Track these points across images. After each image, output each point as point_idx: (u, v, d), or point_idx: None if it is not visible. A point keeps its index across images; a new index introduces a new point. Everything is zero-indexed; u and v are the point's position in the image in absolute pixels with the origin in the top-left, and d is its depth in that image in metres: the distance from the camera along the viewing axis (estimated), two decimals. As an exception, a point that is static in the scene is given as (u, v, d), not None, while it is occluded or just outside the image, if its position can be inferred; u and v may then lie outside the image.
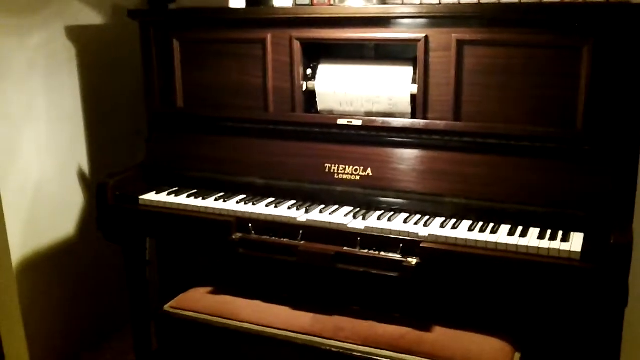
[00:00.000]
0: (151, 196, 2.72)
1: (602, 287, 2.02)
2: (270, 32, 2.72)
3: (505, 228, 2.27)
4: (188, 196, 2.70)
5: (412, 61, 2.56)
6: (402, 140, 2.52)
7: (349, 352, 2.30)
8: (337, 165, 2.56)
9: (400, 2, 2.80)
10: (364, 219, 2.40)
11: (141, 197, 2.71)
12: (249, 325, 2.44)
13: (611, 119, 2.30)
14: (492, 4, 2.67)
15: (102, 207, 2.74)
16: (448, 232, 2.26)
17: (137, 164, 2.96)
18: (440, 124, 2.48)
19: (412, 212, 2.45)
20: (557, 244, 2.11)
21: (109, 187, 2.72)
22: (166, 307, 2.61)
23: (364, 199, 2.53)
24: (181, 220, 2.62)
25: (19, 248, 2.95)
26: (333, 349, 2.32)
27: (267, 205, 2.57)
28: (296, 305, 2.50)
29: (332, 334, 2.35)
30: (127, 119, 3.43)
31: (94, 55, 3.25)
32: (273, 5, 2.91)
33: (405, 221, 2.36)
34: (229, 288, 2.66)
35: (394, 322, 2.37)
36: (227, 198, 2.65)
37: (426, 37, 2.48)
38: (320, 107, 2.74)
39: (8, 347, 3.03)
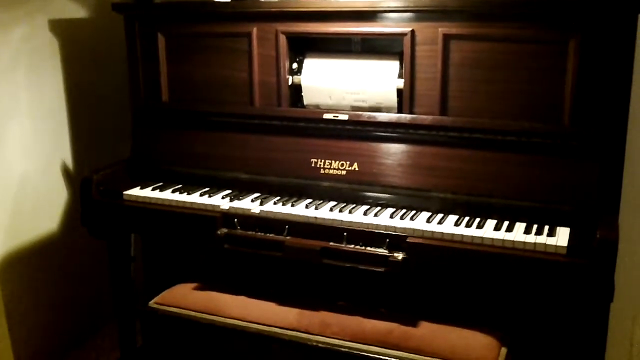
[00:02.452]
0: (136, 191, 2.70)
1: (588, 282, 2.02)
2: (256, 26, 2.70)
3: (491, 223, 2.27)
4: (173, 191, 2.68)
5: (399, 55, 2.56)
6: (388, 135, 2.51)
7: (336, 348, 2.29)
8: (323, 160, 2.55)
9: (387, -4, 2.79)
10: (350, 214, 2.39)
11: (125, 192, 2.69)
12: (235, 321, 2.43)
13: (598, 114, 2.30)
14: (479, -2, 2.66)
15: (87, 202, 2.71)
16: (434, 227, 2.26)
17: (122, 159, 2.93)
18: (426, 118, 2.47)
19: (398, 207, 2.44)
20: (543, 239, 2.11)
21: (93, 182, 2.69)
22: (151, 303, 2.60)
23: (350, 193, 2.52)
24: (166, 216, 2.60)
25: (2, 244, 2.92)
26: (320, 345, 2.31)
27: (252, 201, 2.55)
28: (283, 301, 2.49)
29: (319, 329, 2.34)
30: (111, 114, 3.40)
31: (78, 50, 3.22)
32: (259, -1, 2.90)
33: (391, 216, 2.35)
34: (214, 284, 2.65)
35: (381, 318, 2.37)
36: (212, 193, 2.64)
37: (412, 32, 2.47)
38: (306, 101, 2.72)
39: (-9, 344, 3.00)
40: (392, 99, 2.58)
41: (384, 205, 2.46)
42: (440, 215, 2.35)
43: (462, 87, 2.47)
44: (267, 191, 2.64)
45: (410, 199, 2.45)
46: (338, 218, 2.36)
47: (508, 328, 2.38)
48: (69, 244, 3.27)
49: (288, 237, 2.38)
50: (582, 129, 2.30)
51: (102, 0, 3.25)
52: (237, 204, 2.53)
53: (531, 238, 2.13)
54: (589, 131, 2.29)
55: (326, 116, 2.59)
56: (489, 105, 2.45)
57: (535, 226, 2.22)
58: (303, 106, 2.74)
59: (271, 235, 2.40)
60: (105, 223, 2.73)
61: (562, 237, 2.13)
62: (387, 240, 2.25)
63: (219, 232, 2.44)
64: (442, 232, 2.22)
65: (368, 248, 2.27)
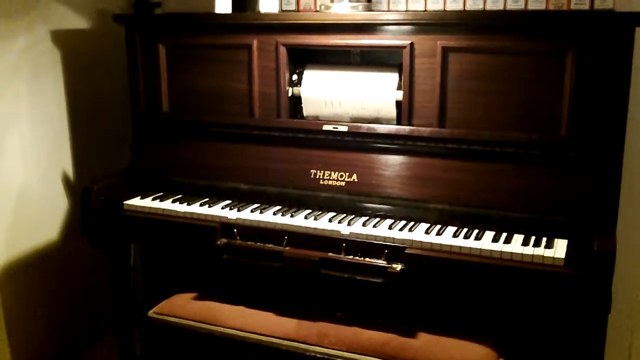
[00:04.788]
0: (136, 201, 2.71)
1: (585, 294, 2.03)
2: (256, 38, 2.72)
3: (489, 234, 2.28)
4: (173, 201, 2.69)
5: (398, 67, 2.57)
6: (387, 146, 2.52)
7: (333, 358, 2.29)
8: (322, 171, 2.56)
9: (386, 9, 2.81)
10: (349, 224, 2.39)
11: (126, 202, 2.69)
12: (233, 331, 2.44)
13: (595, 125, 2.32)
14: (477, 11, 2.69)
15: (87, 211, 2.72)
16: (433, 238, 2.26)
17: (122, 168, 2.94)
18: (425, 130, 2.48)
19: (397, 218, 2.45)
20: (540, 251, 2.12)
21: (93, 192, 2.70)
22: (150, 312, 2.60)
23: (349, 204, 2.53)
24: (166, 226, 2.61)
25: (2, 253, 2.92)
26: (317, 355, 2.31)
27: (252, 211, 2.56)
28: (281, 311, 2.50)
29: (316, 340, 2.35)
30: (112, 124, 3.41)
31: (79, 60, 3.23)
32: (259, 11, 2.92)
33: (390, 227, 2.36)
34: (213, 294, 2.65)
35: (378, 328, 2.37)
36: (212, 203, 2.65)
37: (411, 44, 2.48)
38: (305, 112, 2.74)
39: (-10, 353, 3.01)
40: (391, 111, 2.59)
41: (383, 216, 2.47)
42: (438, 227, 2.36)
43: (461, 99, 2.48)
44: (266, 201, 2.65)
45: (408, 210, 2.45)
46: (337, 229, 2.36)
47: (505, 339, 2.39)
48: (69, 252, 3.27)
49: (287, 248, 2.38)
50: (579, 140, 2.32)
51: (103, 11, 3.27)
52: (236, 214, 2.53)
53: (529, 250, 2.14)
54: (586, 142, 2.30)
55: (325, 127, 2.60)
56: (487, 117, 2.46)
57: (533, 238, 2.23)
58: (303, 117, 2.75)
59: (270, 245, 2.41)
60: (105, 232, 2.74)
61: (559, 248, 2.14)
62: (386, 251, 2.26)
63: (218, 242, 2.45)
64: (440, 244, 2.23)
65: (367, 259, 2.27)
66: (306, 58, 2.76)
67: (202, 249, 2.51)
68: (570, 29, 2.30)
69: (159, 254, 3.12)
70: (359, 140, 2.56)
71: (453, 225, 2.37)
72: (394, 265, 2.21)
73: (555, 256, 2.09)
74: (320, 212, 2.53)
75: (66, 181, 3.24)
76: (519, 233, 2.28)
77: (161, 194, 2.78)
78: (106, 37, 3.28)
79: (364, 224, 2.40)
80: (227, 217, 2.52)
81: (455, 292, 2.52)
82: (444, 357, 2.23)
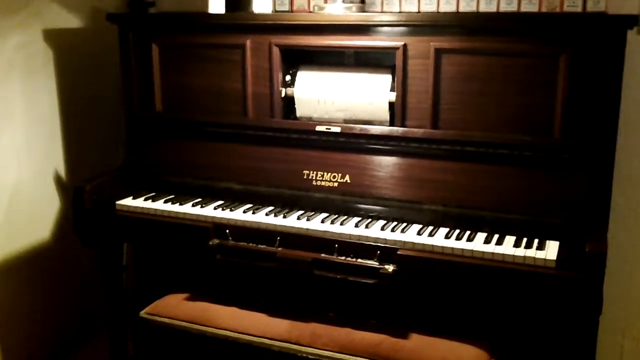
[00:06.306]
0: (128, 201, 2.70)
1: (577, 295, 2.04)
2: (250, 38, 2.71)
3: (481, 236, 2.28)
4: (165, 201, 2.69)
5: (391, 69, 2.57)
6: (380, 148, 2.52)
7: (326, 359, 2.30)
8: (315, 172, 2.56)
9: (380, 10, 2.81)
10: (341, 225, 2.40)
11: (118, 202, 2.69)
12: (226, 331, 2.44)
13: (588, 128, 2.32)
14: (471, 13, 2.69)
15: (79, 211, 2.72)
16: (425, 239, 2.27)
17: (115, 168, 2.94)
18: (418, 131, 2.49)
19: (389, 219, 2.45)
20: (532, 252, 2.13)
21: (85, 192, 2.69)
22: (142, 313, 2.60)
23: (342, 205, 2.53)
24: (158, 226, 2.60)
25: (-6, 252, 2.92)
26: (310, 356, 2.32)
27: (244, 212, 2.56)
28: (273, 312, 2.50)
29: (309, 340, 2.35)
30: (105, 123, 3.41)
31: (73, 58, 3.22)
32: (253, 11, 2.91)
33: (382, 228, 2.36)
34: (206, 294, 2.65)
35: (371, 329, 2.38)
36: (204, 204, 2.64)
37: (405, 45, 2.49)
38: (299, 113, 2.74)
39: (-18, 353, 3.00)
40: (385, 112, 2.59)
41: (376, 217, 2.47)
42: (431, 228, 2.36)
43: (454, 101, 2.48)
44: (259, 202, 2.64)
45: (401, 211, 2.46)
46: (329, 230, 2.37)
47: (498, 340, 2.39)
48: (61, 252, 3.26)
49: (280, 248, 2.38)
50: (572, 142, 2.32)
51: (97, 9, 3.26)
52: (229, 214, 2.53)
53: (520, 251, 2.14)
54: (579, 144, 2.31)
55: (319, 128, 2.60)
56: (481, 119, 2.46)
57: (525, 239, 2.24)
58: (296, 118, 2.75)
59: (263, 246, 2.41)
60: (98, 232, 2.73)
61: (551, 250, 2.14)
62: (378, 252, 2.26)
63: (210, 243, 2.44)
64: (432, 245, 2.23)
65: (359, 260, 2.27)
66: (300, 59, 2.76)
67: (195, 250, 2.51)
68: (563, 31, 2.31)
69: (151, 254, 3.12)
70: (352, 141, 2.57)
71: (446, 226, 2.38)
72: (386, 266, 2.22)
73: (547, 258, 2.09)
74: (312, 212, 2.53)
75: (59, 180, 3.23)
76: (512, 234, 2.29)
77: (154, 193, 2.78)
78: (100, 36, 3.27)
79: (356, 225, 2.40)
80: (219, 218, 2.52)
81: (448, 293, 2.52)
82: (437, 358, 2.23)
